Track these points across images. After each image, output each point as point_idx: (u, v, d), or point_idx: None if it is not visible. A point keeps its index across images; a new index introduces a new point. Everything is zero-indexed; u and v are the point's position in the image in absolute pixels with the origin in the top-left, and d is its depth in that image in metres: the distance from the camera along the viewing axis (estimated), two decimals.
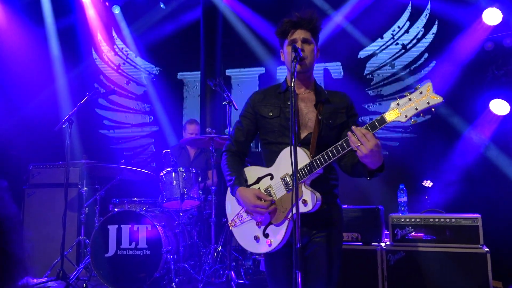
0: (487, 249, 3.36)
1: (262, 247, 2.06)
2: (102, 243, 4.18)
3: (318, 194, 1.93)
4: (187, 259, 4.42)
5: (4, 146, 5.81)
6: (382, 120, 1.82)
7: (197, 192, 4.49)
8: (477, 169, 4.95)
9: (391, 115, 1.81)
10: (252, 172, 2.18)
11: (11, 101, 6.15)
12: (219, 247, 4.45)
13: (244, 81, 6.44)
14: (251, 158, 2.39)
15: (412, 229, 3.61)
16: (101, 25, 6.78)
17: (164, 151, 4.65)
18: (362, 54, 5.92)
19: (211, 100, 6.04)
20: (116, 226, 4.19)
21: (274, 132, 2.15)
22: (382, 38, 5.87)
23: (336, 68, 6.03)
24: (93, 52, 6.93)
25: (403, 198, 3.90)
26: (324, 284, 2.01)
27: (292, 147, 1.79)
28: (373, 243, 3.68)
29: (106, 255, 4.15)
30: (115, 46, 6.91)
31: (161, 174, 4.48)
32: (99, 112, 6.84)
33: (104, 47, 6.90)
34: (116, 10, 6.65)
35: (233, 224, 2.19)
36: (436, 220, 3.56)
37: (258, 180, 2.14)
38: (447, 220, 3.53)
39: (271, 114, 2.17)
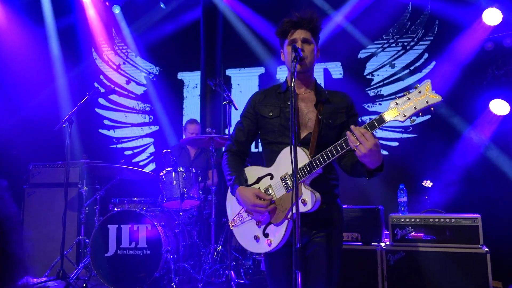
0: (487, 249, 3.36)
1: (262, 247, 2.06)
2: (102, 243, 4.18)
3: (317, 194, 1.93)
4: (187, 259, 4.42)
5: (4, 146, 5.81)
6: (381, 120, 1.81)
7: (197, 192, 4.49)
8: (477, 169, 4.95)
9: (390, 115, 1.80)
10: (252, 172, 2.19)
11: (11, 101, 6.16)
12: (219, 247, 4.45)
13: (244, 81, 6.44)
14: (251, 158, 2.38)
15: (412, 229, 3.61)
16: (101, 25, 6.78)
17: (164, 151, 4.65)
18: (362, 54, 5.92)
19: (211, 100, 6.04)
20: (116, 225, 4.19)
21: (274, 132, 2.16)
22: (382, 38, 5.87)
23: (336, 68, 6.03)
24: (93, 51, 6.93)
25: (403, 198, 3.90)
26: (324, 284, 2.01)
27: (292, 147, 1.79)
28: (373, 243, 3.68)
29: (106, 255, 4.15)
30: (115, 46, 6.91)
31: (161, 174, 4.48)
32: (99, 111, 6.85)
33: (104, 46, 6.90)
34: (116, 10, 6.65)
35: (234, 224, 2.19)
36: (436, 220, 3.56)
37: (258, 180, 2.14)
38: (447, 220, 3.53)
39: (271, 114, 2.17)
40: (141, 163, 6.60)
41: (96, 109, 6.83)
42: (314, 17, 2.12)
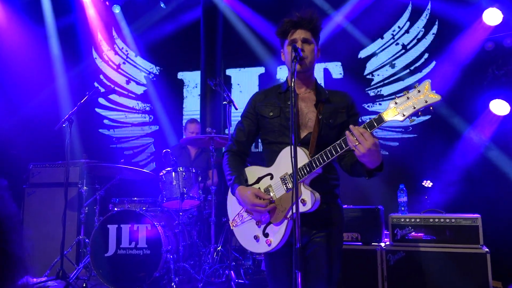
0: (487, 249, 3.36)
1: (262, 247, 2.06)
2: (102, 243, 4.18)
3: (317, 194, 1.93)
4: (187, 259, 4.42)
5: (4, 145, 5.81)
6: (380, 119, 1.81)
7: (197, 191, 4.49)
8: (477, 169, 4.95)
9: (389, 114, 1.80)
10: (252, 172, 2.19)
11: (11, 101, 6.15)
12: (219, 247, 4.45)
13: (244, 80, 6.43)
14: (251, 158, 2.38)
15: (412, 229, 3.61)
16: (101, 25, 6.78)
17: (164, 151, 4.64)
18: (362, 54, 5.92)
19: (211, 100, 6.04)
20: (116, 225, 4.19)
21: (274, 132, 2.16)
22: (382, 38, 5.87)
23: (336, 68, 6.03)
24: (93, 51, 6.93)
25: (403, 198, 3.90)
26: (324, 284, 2.01)
27: (292, 146, 1.79)
28: (373, 243, 3.68)
29: (105, 255, 4.15)
30: (115, 46, 6.91)
31: (161, 173, 4.48)
32: (99, 111, 6.84)
33: (104, 46, 6.90)
34: (116, 9, 6.65)
35: (234, 224, 2.19)
36: (436, 220, 3.56)
37: (259, 179, 2.14)
38: (447, 220, 3.53)
39: (271, 114, 2.17)
40: (141, 163, 6.60)
41: (96, 109, 6.83)
42: (314, 17, 2.12)
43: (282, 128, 2.13)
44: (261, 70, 6.35)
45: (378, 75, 5.86)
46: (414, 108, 1.75)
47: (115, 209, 4.33)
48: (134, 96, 6.81)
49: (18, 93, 6.19)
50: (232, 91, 6.38)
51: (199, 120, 5.63)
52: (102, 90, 6.69)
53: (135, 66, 6.85)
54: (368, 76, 5.89)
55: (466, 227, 3.46)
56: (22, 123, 6.11)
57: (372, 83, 5.86)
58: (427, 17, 5.69)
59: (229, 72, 6.47)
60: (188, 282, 4.28)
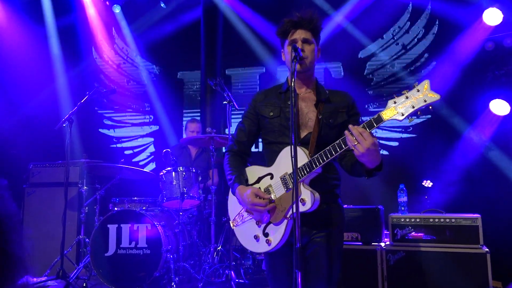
0: (487, 249, 3.36)
1: (262, 246, 2.06)
2: (102, 242, 4.18)
3: (317, 194, 1.93)
4: (187, 259, 4.43)
5: (4, 145, 5.81)
6: (379, 119, 1.81)
7: (197, 191, 4.49)
8: (477, 169, 4.95)
9: (387, 114, 1.80)
10: (253, 172, 2.19)
11: (11, 100, 6.15)
12: (219, 247, 4.45)
13: (244, 80, 6.44)
14: (252, 158, 2.39)
15: (412, 229, 3.61)
16: (101, 24, 6.77)
17: (164, 151, 4.65)
18: (363, 54, 5.92)
19: (211, 100, 6.04)
20: (116, 225, 4.19)
21: (274, 132, 2.16)
22: (382, 38, 5.87)
23: (336, 68, 6.03)
24: (94, 51, 6.93)
25: (403, 198, 3.90)
26: (324, 284, 2.01)
27: (292, 146, 1.79)
28: (373, 243, 3.68)
29: (106, 254, 4.15)
30: (115, 45, 6.91)
31: (161, 173, 4.48)
32: (99, 111, 6.84)
33: (105, 46, 6.90)
34: (117, 9, 6.65)
35: (235, 224, 2.20)
36: (436, 220, 3.56)
37: (259, 179, 2.15)
38: (447, 220, 3.53)
39: (271, 114, 2.17)
40: (141, 163, 6.60)
41: (96, 109, 6.83)
42: (314, 17, 2.12)
43: (282, 128, 2.14)
44: (261, 70, 6.35)
45: (378, 75, 5.86)
46: (413, 107, 1.75)
47: (115, 208, 4.33)
48: (134, 96, 6.81)
49: (18, 93, 6.19)
50: (232, 91, 6.38)
51: (199, 120, 5.64)
52: (103, 90, 6.67)
53: (135, 66, 6.85)
54: (368, 76, 5.89)
55: (466, 227, 3.47)
56: (22, 123, 6.11)
57: (372, 83, 5.86)
58: (427, 17, 5.69)
59: (229, 72, 6.47)
60: (188, 282, 4.29)
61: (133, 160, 6.61)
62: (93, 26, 6.73)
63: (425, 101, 1.73)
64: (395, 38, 5.82)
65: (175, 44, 6.58)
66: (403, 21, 5.79)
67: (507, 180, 4.78)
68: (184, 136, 5.46)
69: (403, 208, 3.86)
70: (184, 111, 6.65)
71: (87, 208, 4.82)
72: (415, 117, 1.79)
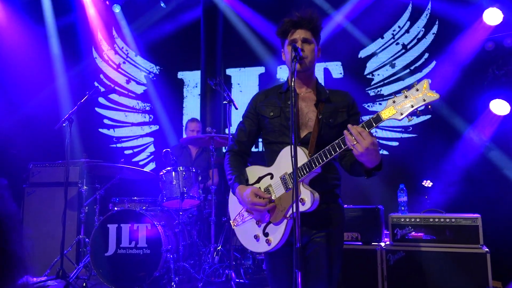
0: (487, 249, 3.36)
1: (262, 246, 2.06)
2: (102, 242, 4.17)
3: (316, 194, 1.93)
4: (187, 258, 4.42)
5: (4, 145, 5.81)
6: (378, 118, 1.81)
7: (197, 191, 4.49)
8: (477, 169, 4.95)
9: (386, 113, 1.79)
10: (253, 172, 2.19)
11: (11, 100, 6.15)
12: (219, 247, 4.45)
13: (244, 80, 6.43)
14: (252, 158, 2.39)
15: (412, 229, 3.61)
16: (101, 24, 6.78)
17: (164, 150, 4.65)
18: (363, 53, 5.92)
19: (211, 99, 6.04)
20: (116, 225, 4.19)
21: (275, 132, 2.16)
22: (382, 38, 5.87)
23: (336, 68, 6.03)
24: (93, 51, 6.92)
25: (403, 198, 3.90)
26: (324, 284, 2.01)
27: (292, 146, 1.79)
28: (373, 243, 3.69)
29: (106, 254, 4.15)
30: (115, 45, 6.91)
31: (161, 173, 4.48)
32: (99, 111, 6.84)
33: (105, 46, 6.90)
34: (117, 9, 6.65)
35: (235, 223, 2.20)
36: (436, 220, 3.56)
37: (259, 179, 2.15)
38: (447, 220, 3.53)
39: (271, 114, 2.17)
40: (141, 163, 6.60)
41: (96, 108, 6.83)
42: (314, 16, 2.12)
43: (282, 128, 2.14)
44: (261, 69, 6.35)
45: (378, 74, 5.86)
46: (412, 106, 1.74)
47: (115, 208, 4.33)
48: (134, 95, 6.81)
49: (18, 92, 6.19)
50: (232, 91, 6.38)
51: (199, 119, 5.63)
52: (102, 89, 6.68)
53: (135, 66, 6.85)
54: (368, 76, 5.88)
55: (466, 227, 3.47)
56: (22, 123, 6.11)
57: (372, 82, 5.86)
58: (427, 17, 5.68)
59: (229, 71, 6.47)
60: (188, 282, 4.29)
61: (133, 160, 6.61)
62: (93, 26, 6.74)
63: (424, 100, 1.72)
64: (395, 38, 5.82)
65: (175, 44, 6.58)
66: (403, 21, 5.79)
67: (507, 180, 4.78)
68: (184, 135, 5.46)
69: (403, 208, 3.86)
70: (184, 111, 6.65)
71: (87, 208, 4.82)
72: (415, 116, 1.78)
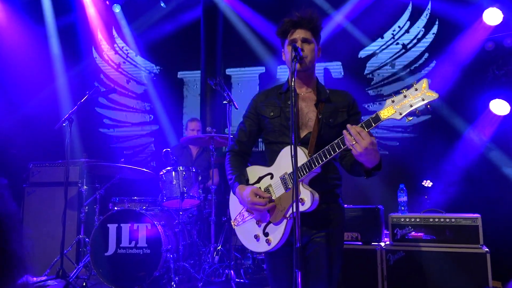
0: (487, 249, 3.36)
1: (262, 246, 2.06)
2: (102, 242, 4.18)
3: (316, 194, 1.93)
4: (187, 258, 4.42)
5: (4, 145, 5.82)
6: (377, 118, 1.80)
7: (197, 191, 4.49)
8: (477, 169, 4.95)
9: (385, 113, 1.79)
10: (253, 172, 2.20)
11: (11, 100, 6.15)
12: (219, 246, 4.45)
13: (244, 80, 6.44)
14: (253, 158, 2.39)
15: (412, 229, 3.61)
16: (101, 24, 6.77)
17: (164, 150, 4.65)
18: (363, 53, 5.91)
19: (211, 99, 6.04)
20: (116, 225, 4.19)
21: (275, 132, 2.17)
22: (382, 38, 5.87)
23: (336, 68, 6.03)
24: (94, 50, 6.92)
25: (403, 198, 3.90)
26: (324, 284, 2.01)
27: (292, 146, 1.79)
28: (373, 243, 3.69)
29: (105, 254, 4.15)
30: (115, 45, 6.91)
31: (161, 173, 4.48)
32: (99, 111, 6.84)
33: (105, 45, 6.90)
34: (117, 8, 6.64)
35: (236, 223, 2.20)
36: (436, 220, 3.56)
37: (259, 179, 2.15)
38: (447, 220, 3.53)
39: (272, 114, 2.18)
40: (141, 162, 6.59)
41: (96, 108, 6.83)
42: (314, 16, 2.12)
43: (282, 128, 2.14)
44: (261, 69, 6.35)
45: (378, 74, 5.86)
46: (411, 106, 1.74)
47: (115, 208, 4.33)
48: (134, 95, 6.81)
49: (18, 92, 6.19)
50: (232, 91, 6.38)
51: (199, 118, 5.63)
52: (102, 89, 6.68)
53: (135, 66, 6.85)
54: (368, 76, 5.88)
55: (466, 227, 3.47)
56: (22, 122, 6.11)
57: (372, 82, 5.86)
58: (427, 17, 5.68)
59: (229, 71, 6.47)
60: (188, 282, 4.29)
61: (133, 159, 6.61)
62: (93, 25, 6.73)
63: (423, 100, 1.72)
64: (395, 38, 5.82)
65: (175, 44, 6.57)
66: (403, 21, 5.78)
67: (507, 180, 4.78)
68: (185, 135, 5.46)
69: (403, 208, 3.87)
70: (184, 110, 6.65)
71: (87, 207, 4.82)
72: (414, 116, 1.78)
